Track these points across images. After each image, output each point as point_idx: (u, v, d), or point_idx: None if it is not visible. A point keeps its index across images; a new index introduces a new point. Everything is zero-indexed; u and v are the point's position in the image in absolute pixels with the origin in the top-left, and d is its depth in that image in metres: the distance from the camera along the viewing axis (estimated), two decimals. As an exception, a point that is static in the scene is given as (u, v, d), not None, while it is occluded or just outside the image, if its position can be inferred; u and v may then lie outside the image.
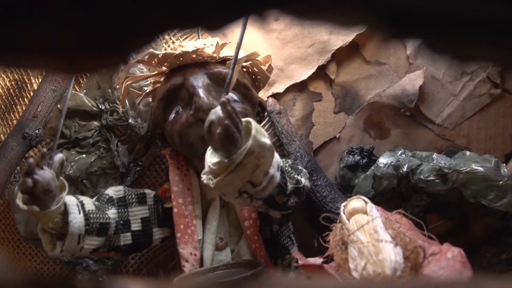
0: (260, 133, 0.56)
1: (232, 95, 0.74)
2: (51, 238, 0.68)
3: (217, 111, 0.56)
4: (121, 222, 0.74)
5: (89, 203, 0.71)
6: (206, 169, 0.58)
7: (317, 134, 0.90)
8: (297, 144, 0.86)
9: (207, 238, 0.74)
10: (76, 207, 0.67)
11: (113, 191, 0.76)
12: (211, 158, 0.57)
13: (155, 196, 0.78)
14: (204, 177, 0.59)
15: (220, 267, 0.69)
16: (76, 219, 0.66)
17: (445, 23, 0.20)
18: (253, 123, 0.57)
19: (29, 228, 0.89)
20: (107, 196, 0.75)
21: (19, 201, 0.64)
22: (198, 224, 0.74)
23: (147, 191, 0.79)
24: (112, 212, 0.73)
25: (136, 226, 0.75)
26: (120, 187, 0.78)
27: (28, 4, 0.18)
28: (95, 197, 0.76)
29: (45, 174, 0.63)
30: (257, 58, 0.78)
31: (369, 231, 0.55)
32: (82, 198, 0.71)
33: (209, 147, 0.59)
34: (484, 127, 0.85)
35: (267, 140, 0.57)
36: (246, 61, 0.78)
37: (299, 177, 0.68)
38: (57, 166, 0.66)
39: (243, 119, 0.58)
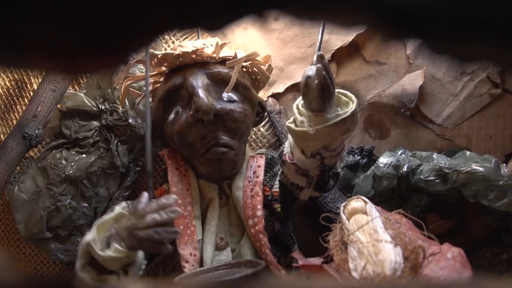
0: None
1: (231, 95, 0.74)
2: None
3: (313, 67, 0.58)
4: None
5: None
6: (299, 117, 0.61)
7: (317, 134, 0.90)
8: (297, 144, 0.86)
9: (206, 238, 0.74)
10: None
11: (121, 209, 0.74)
12: (303, 108, 0.61)
13: None
14: (292, 125, 0.61)
15: (221, 267, 0.69)
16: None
17: (445, 23, 0.20)
18: (349, 93, 0.61)
19: (29, 228, 0.89)
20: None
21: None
22: (198, 224, 0.74)
23: None
24: None
25: None
26: (123, 204, 0.76)
27: (28, 4, 0.18)
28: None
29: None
30: (257, 58, 0.78)
31: (369, 231, 0.55)
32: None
33: (299, 99, 0.62)
34: (484, 127, 0.85)
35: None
36: (246, 61, 0.77)
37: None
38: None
39: (338, 90, 0.62)
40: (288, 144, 0.68)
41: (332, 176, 0.71)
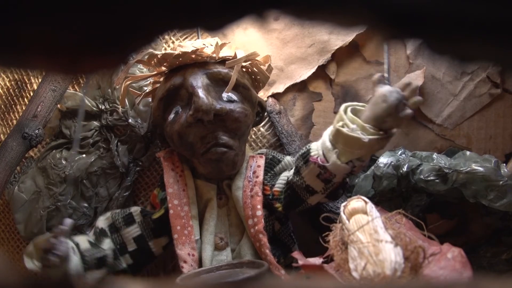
0: None
1: (231, 95, 0.74)
2: None
3: (399, 91, 0.62)
4: (118, 247, 0.77)
5: (84, 241, 0.74)
6: (350, 124, 0.63)
7: (317, 134, 0.89)
8: (297, 144, 0.86)
9: (205, 238, 0.74)
10: (72, 250, 0.70)
11: (102, 221, 0.78)
12: (355, 117, 0.63)
13: (142, 212, 0.79)
14: (344, 130, 0.63)
15: (223, 267, 0.69)
16: (73, 262, 0.69)
17: (445, 23, 0.20)
18: None
19: (29, 228, 0.89)
20: (98, 230, 0.77)
21: (30, 264, 0.71)
22: (195, 224, 0.74)
23: (133, 209, 0.79)
24: (107, 243, 0.76)
25: (131, 246, 0.77)
26: (108, 214, 0.79)
27: (28, 4, 0.18)
28: (92, 231, 0.78)
29: (64, 246, 0.66)
30: (256, 58, 0.78)
31: (369, 231, 0.55)
32: (77, 239, 0.74)
33: (345, 106, 0.65)
34: (484, 127, 0.85)
35: None
36: (245, 61, 0.77)
37: None
38: (68, 231, 0.69)
39: None
40: (318, 147, 0.68)
41: (343, 184, 0.72)
